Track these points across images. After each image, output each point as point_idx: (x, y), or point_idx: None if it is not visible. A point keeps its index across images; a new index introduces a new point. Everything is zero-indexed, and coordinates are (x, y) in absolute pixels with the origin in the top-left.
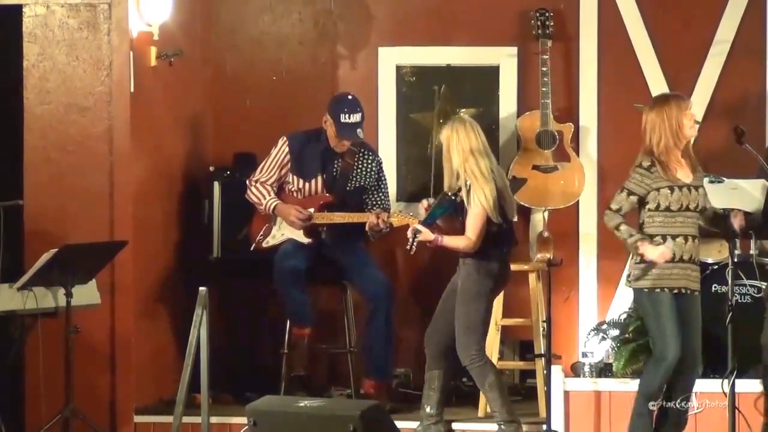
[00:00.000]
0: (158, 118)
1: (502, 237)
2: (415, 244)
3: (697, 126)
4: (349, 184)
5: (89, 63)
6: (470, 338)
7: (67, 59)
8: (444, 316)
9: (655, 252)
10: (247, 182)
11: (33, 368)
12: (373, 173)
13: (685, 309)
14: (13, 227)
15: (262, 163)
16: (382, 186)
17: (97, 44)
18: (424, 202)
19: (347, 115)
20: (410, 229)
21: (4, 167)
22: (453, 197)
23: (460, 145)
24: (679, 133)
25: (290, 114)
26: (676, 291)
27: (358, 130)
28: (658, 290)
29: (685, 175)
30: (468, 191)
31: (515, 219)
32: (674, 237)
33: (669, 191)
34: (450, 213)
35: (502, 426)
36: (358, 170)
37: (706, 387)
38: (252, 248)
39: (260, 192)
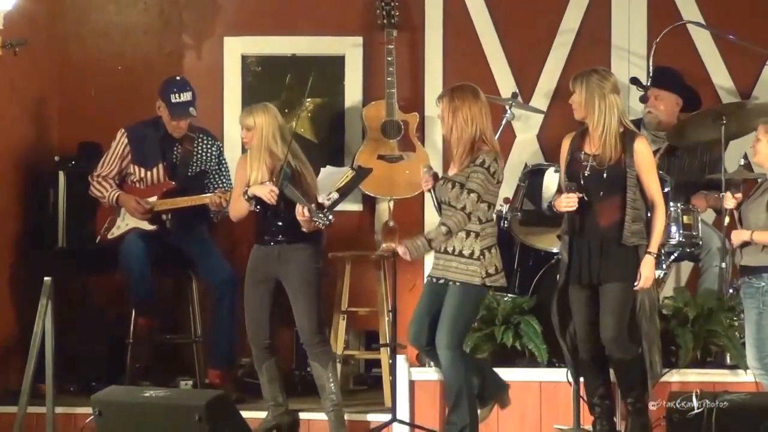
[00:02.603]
0: (2, 107)
1: None
2: None
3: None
4: (190, 170)
5: None
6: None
7: None
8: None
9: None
10: (90, 178)
11: None
12: (213, 157)
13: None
14: None
15: (103, 158)
16: (223, 170)
17: None
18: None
19: (177, 95)
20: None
21: None
22: None
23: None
24: None
25: (136, 104)
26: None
27: (191, 109)
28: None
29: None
30: None
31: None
32: None
33: None
34: None
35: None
36: (198, 155)
37: (553, 377)
38: (97, 240)
39: (102, 186)
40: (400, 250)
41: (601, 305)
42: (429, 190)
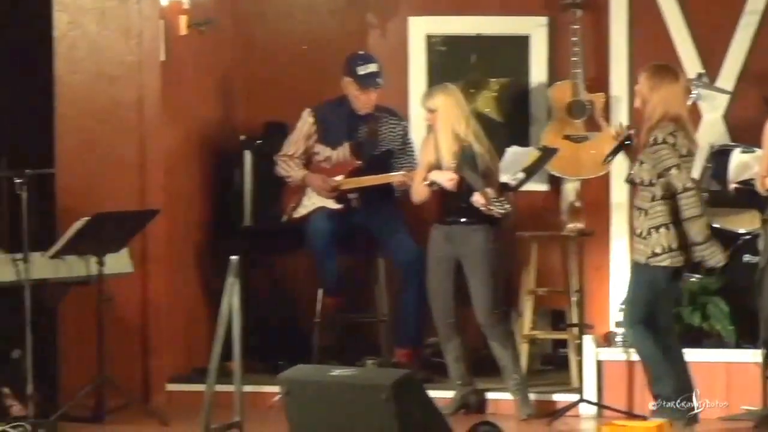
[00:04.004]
0: (189, 87)
1: None
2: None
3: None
4: (376, 149)
5: (119, 32)
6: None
7: (97, 28)
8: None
9: None
10: (276, 158)
11: (66, 337)
12: (398, 137)
13: None
14: (45, 196)
15: (289, 138)
16: (408, 150)
17: (127, 13)
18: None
19: (364, 66)
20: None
21: (36, 136)
22: None
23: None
24: None
25: (321, 83)
26: None
27: (378, 79)
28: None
29: None
30: None
31: None
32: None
33: None
34: None
35: None
36: (384, 135)
37: (741, 357)
38: (284, 219)
39: (288, 165)
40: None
41: None
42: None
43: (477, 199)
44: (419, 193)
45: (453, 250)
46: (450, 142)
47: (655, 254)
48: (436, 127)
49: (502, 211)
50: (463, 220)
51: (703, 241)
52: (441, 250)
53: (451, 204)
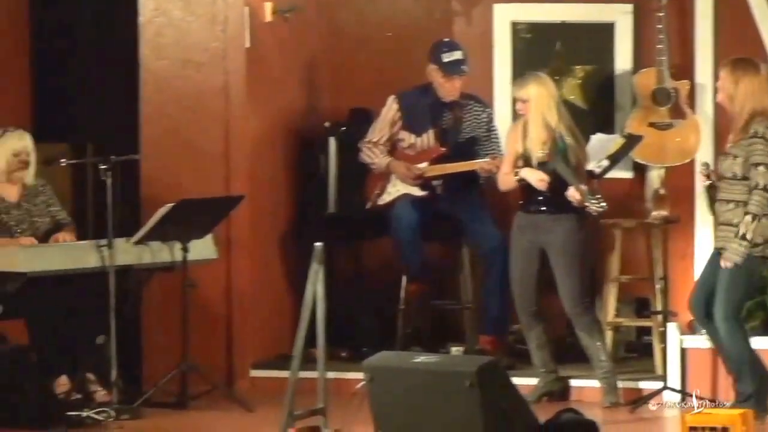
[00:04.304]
0: (273, 73)
1: None
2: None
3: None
4: (461, 136)
5: (204, 18)
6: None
7: (182, 14)
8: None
9: None
10: (360, 144)
11: (150, 322)
12: (483, 124)
13: None
14: (130, 181)
15: (373, 125)
16: (493, 137)
17: (212, 0)
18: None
19: (449, 54)
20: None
21: (121, 122)
22: None
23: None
24: None
25: (405, 70)
26: None
27: (463, 66)
28: None
29: None
30: None
31: None
32: None
33: None
34: None
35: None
36: (469, 122)
37: None
38: (368, 206)
39: (372, 152)
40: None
41: None
42: (705, 187)
43: (572, 194)
44: (506, 183)
45: (537, 239)
46: (540, 132)
47: (756, 245)
48: (527, 117)
49: (599, 209)
50: (547, 208)
51: (750, 239)
52: (525, 238)
53: (536, 193)
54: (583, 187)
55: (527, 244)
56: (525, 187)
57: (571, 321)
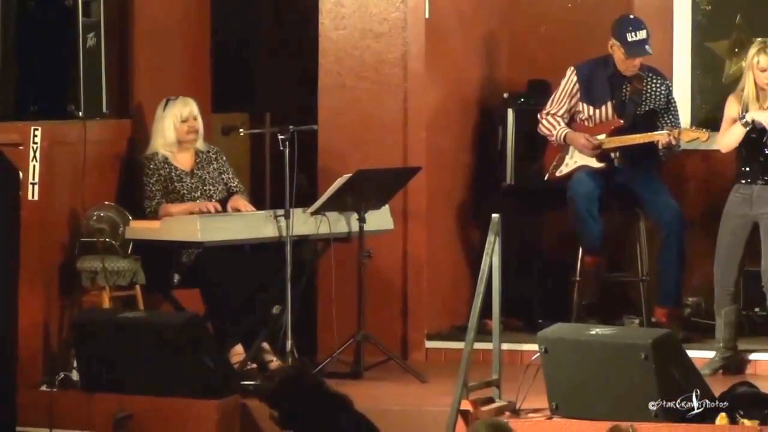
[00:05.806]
0: (453, 44)
1: None
2: None
3: None
4: (640, 108)
5: None
6: None
7: None
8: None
9: None
10: (539, 116)
11: (325, 293)
12: (662, 96)
13: None
14: (308, 152)
15: (552, 96)
16: (672, 109)
17: None
18: None
19: (633, 33)
20: None
21: (300, 92)
22: None
23: None
24: None
25: (585, 42)
26: None
27: (646, 47)
28: None
29: None
30: None
31: None
32: None
33: None
34: None
35: None
36: (648, 94)
37: None
38: (545, 178)
39: (551, 124)
40: None
41: None
42: None
43: None
44: (728, 137)
45: (748, 212)
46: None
47: None
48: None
49: None
50: (761, 179)
51: None
52: (738, 214)
53: (751, 160)
54: None
55: (740, 220)
56: (739, 154)
57: (751, 293)
